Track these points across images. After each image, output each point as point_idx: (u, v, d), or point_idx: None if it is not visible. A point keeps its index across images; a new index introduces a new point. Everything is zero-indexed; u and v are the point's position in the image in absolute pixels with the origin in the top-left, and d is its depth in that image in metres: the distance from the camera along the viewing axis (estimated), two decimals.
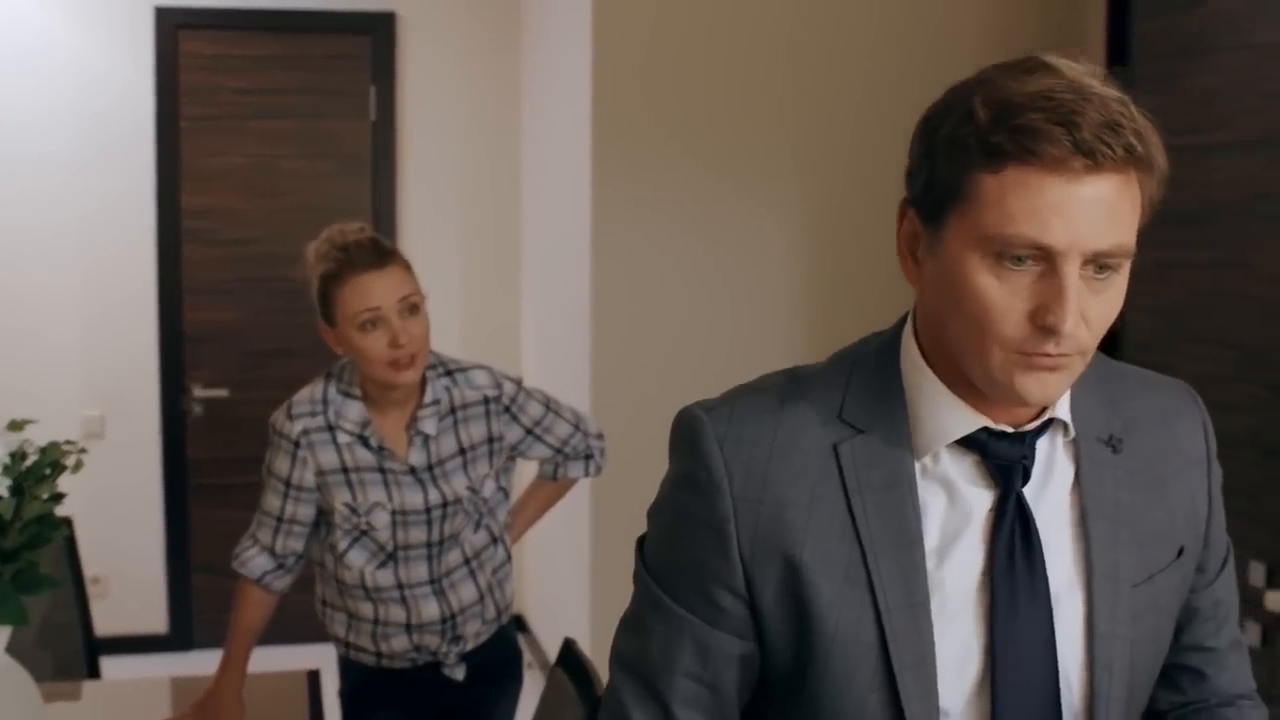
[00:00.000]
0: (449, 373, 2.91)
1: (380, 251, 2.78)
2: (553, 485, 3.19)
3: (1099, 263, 1.24)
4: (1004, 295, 1.24)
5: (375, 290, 2.74)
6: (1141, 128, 1.24)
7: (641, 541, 1.46)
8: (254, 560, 2.89)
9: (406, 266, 2.82)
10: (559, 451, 3.06)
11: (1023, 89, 1.23)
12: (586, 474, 3.16)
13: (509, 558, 3.06)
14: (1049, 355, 1.24)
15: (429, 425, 2.85)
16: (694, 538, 1.36)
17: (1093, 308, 1.24)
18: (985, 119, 1.23)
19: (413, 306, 2.78)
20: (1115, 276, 1.26)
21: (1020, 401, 1.28)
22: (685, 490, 1.38)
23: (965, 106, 1.26)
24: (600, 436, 3.14)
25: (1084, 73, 1.24)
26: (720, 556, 1.34)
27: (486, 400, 2.92)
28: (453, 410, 2.88)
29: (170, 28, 5.69)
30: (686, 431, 1.39)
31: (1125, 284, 1.28)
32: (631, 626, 1.43)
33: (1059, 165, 1.21)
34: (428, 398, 2.86)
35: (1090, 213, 1.21)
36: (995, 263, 1.24)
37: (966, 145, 1.25)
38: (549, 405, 3.03)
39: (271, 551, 2.89)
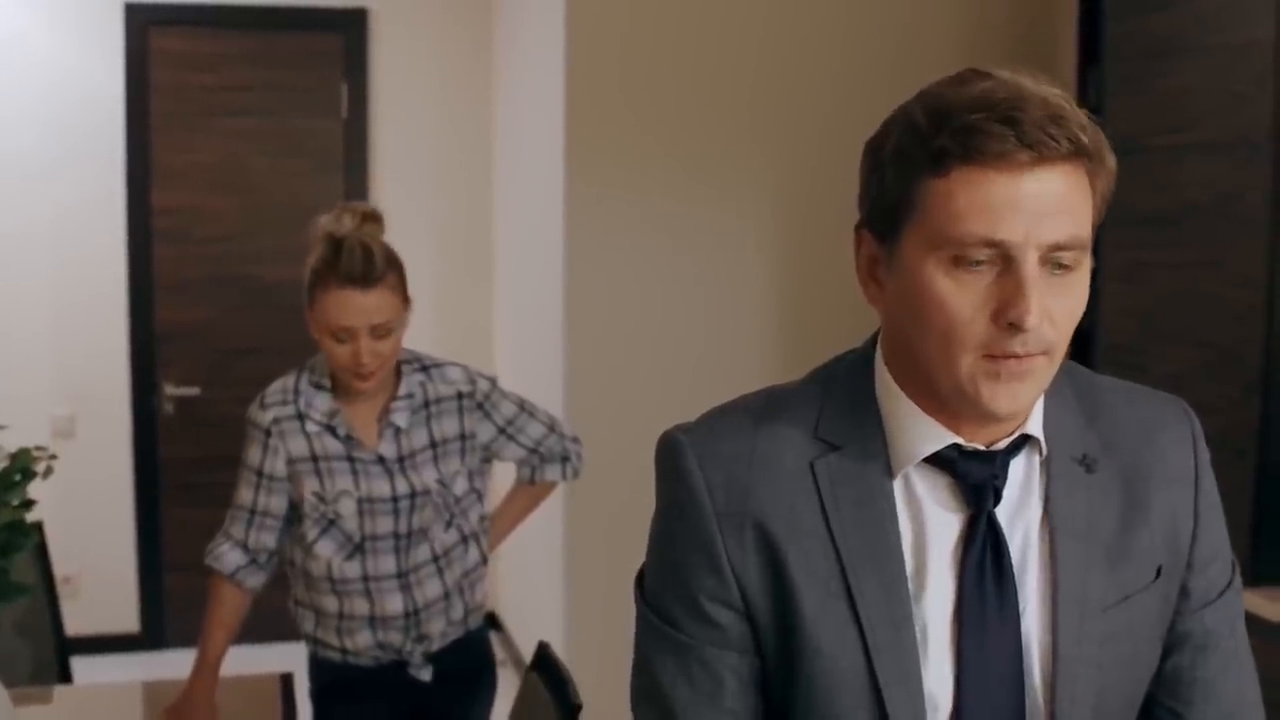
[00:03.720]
0: (424, 368, 2.93)
1: (370, 271, 2.76)
2: (530, 490, 3.18)
3: (1056, 259, 1.23)
4: (965, 299, 1.23)
5: (352, 310, 2.74)
6: (1085, 121, 1.24)
7: (640, 579, 1.44)
8: (227, 555, 2.89)
9: (395, 285, 2.81)
10: (534, 452, 3.06)
11: (961, 95, 1.24)
12: (564, 477, 3.16)
13: (483, 560, 3.05)
14: (1016, 357, 1.23)
15: (401, 418, 2.86)
16: (686, 561, 1.36)
17: (1055, 305, 1.23)
18: (927, 126, 1.24)
19: (386, 330, 2.78)
20: (1075, 274, 1.25)
21: (990, 415, 1.27)
22: (671, 515, 1.38)
23: (906, 119, 1.27)
24: (576, 440, 3.15)
25: (1020, 77, 1.25)
26: (713, 574, 1.34)
27: (460, 395, 2.92)
28: (426, 404, 2.89)
29: (140, 24, 5.65)
30: (667, 455, 1.39)
31: (1087, 282, 1.28)
32: (642, 664, 1.42)
33: (1004, 160, 1.21)
34: (401, 390, 2.87)
35: (1041, 205, 1.21)
36: (952, 267, 1.23)
37: (911, 155, 1.25)
38: (523, 406, 3.04)
39: (244, 546, 2.89)
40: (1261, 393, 3.26)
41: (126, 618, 5.89)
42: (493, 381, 3.00)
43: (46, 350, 5.71)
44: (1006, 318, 1.21)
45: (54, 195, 5.65)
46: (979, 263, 1.23)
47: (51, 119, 5.62)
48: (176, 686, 2.89)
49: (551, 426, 3.08)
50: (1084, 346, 3.94)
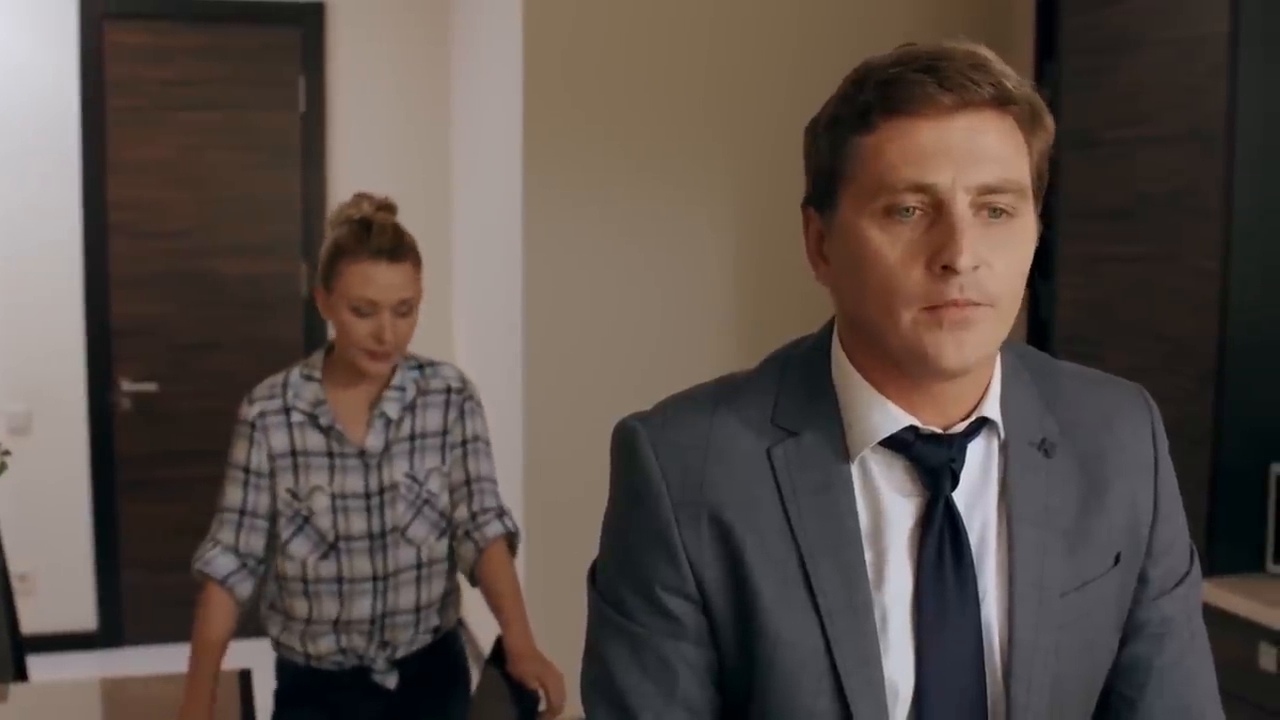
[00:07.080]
0: (419, 365, 2.90)
1: (399, 245, 2.77)
2: (495, 572, 2.88)
3: (990, 203, 1.23)
4: (899, 248, 1.23)
5: (380, 283, 2.72)
6: (1012, 74, 1.24)
7: (593, 572, 1.43)
8: (218, 560, 2.78)
9: (418, 263, 2.81)
10: (466, 485, 2.90)
11: (885, 58, 1.26)
12: (505, 529, 2.91)
13: (457, 586, 3.01)
14: (956, 305, 1.22)
15: (392, 408, 2.82)
16: (642, 549, 1.34)
17: (995, 255, 1.23)
18: (853, 89, 1.27)
19: (408, 308, 2.77)
20: (1015, 223, 1.25)
21: (940, 370, 1.25)
22: (626, 503, 1.36)
23: (836, 92, 1.30)
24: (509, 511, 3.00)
25: (944, 42, 1.26)
26: (668, 563, 1.32)
27: (449, 390, 2.90)
28: (416, 398, 2.86)
29: (95, 18, 5.61)
30: (622, 443, 1.37)
31: (1030, 235, 1.28)
32: (594, 656, 1.39)
33: (928, 105, 1.22)
34: (395, 381, 2.83)
35: (969, 149, 1.22)
36: (886, 219, 1.24)
37: (840, 119, 1.27)
38: (489, 442, 2.96)
39: (235, 550, 2.78)
40: (1216, 384, 3.29)
41: (83, 615, 5.84)
42: (480, 401, 2.96)
43: (0, 346, 5.67)
44: (940, 261, 1.21)
45: (7, 190, 5.60)
46: (910, 211, 1.23)
47: (5, 113, 5.57)
48: (134, 683, 2.85)
49: (496, 482, 2.95)
50: (1041, 338, 3.97)
